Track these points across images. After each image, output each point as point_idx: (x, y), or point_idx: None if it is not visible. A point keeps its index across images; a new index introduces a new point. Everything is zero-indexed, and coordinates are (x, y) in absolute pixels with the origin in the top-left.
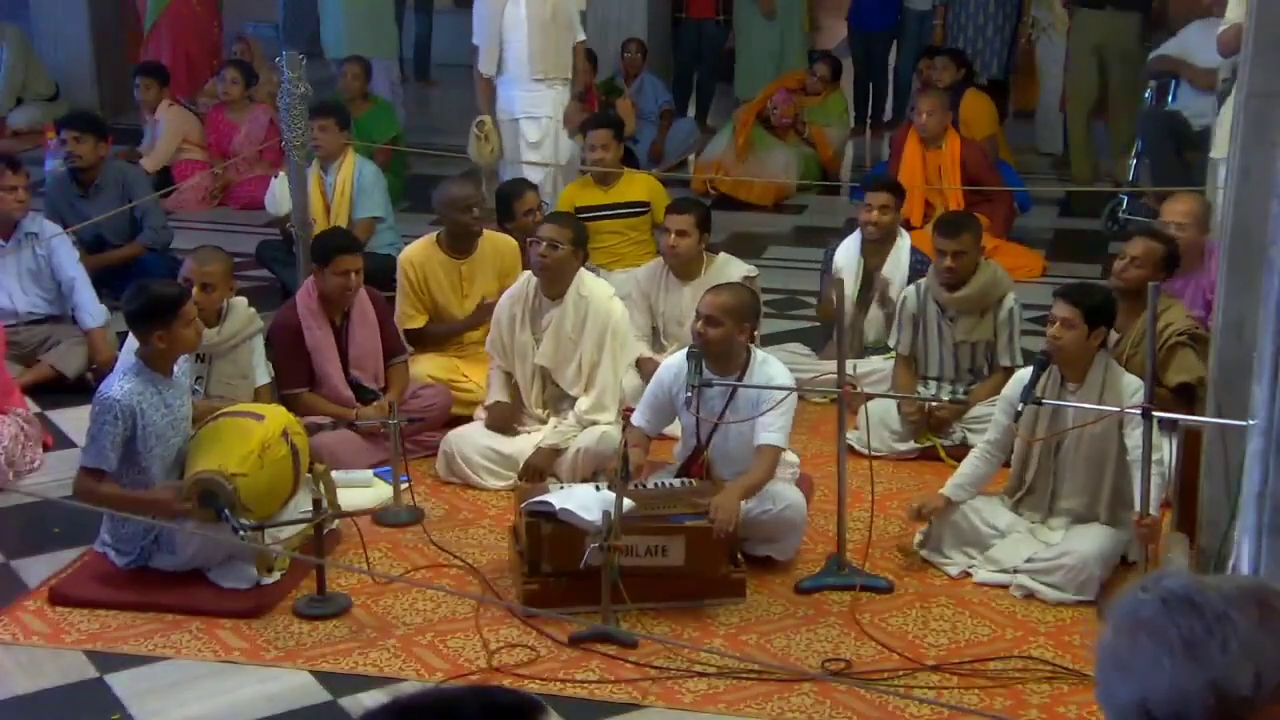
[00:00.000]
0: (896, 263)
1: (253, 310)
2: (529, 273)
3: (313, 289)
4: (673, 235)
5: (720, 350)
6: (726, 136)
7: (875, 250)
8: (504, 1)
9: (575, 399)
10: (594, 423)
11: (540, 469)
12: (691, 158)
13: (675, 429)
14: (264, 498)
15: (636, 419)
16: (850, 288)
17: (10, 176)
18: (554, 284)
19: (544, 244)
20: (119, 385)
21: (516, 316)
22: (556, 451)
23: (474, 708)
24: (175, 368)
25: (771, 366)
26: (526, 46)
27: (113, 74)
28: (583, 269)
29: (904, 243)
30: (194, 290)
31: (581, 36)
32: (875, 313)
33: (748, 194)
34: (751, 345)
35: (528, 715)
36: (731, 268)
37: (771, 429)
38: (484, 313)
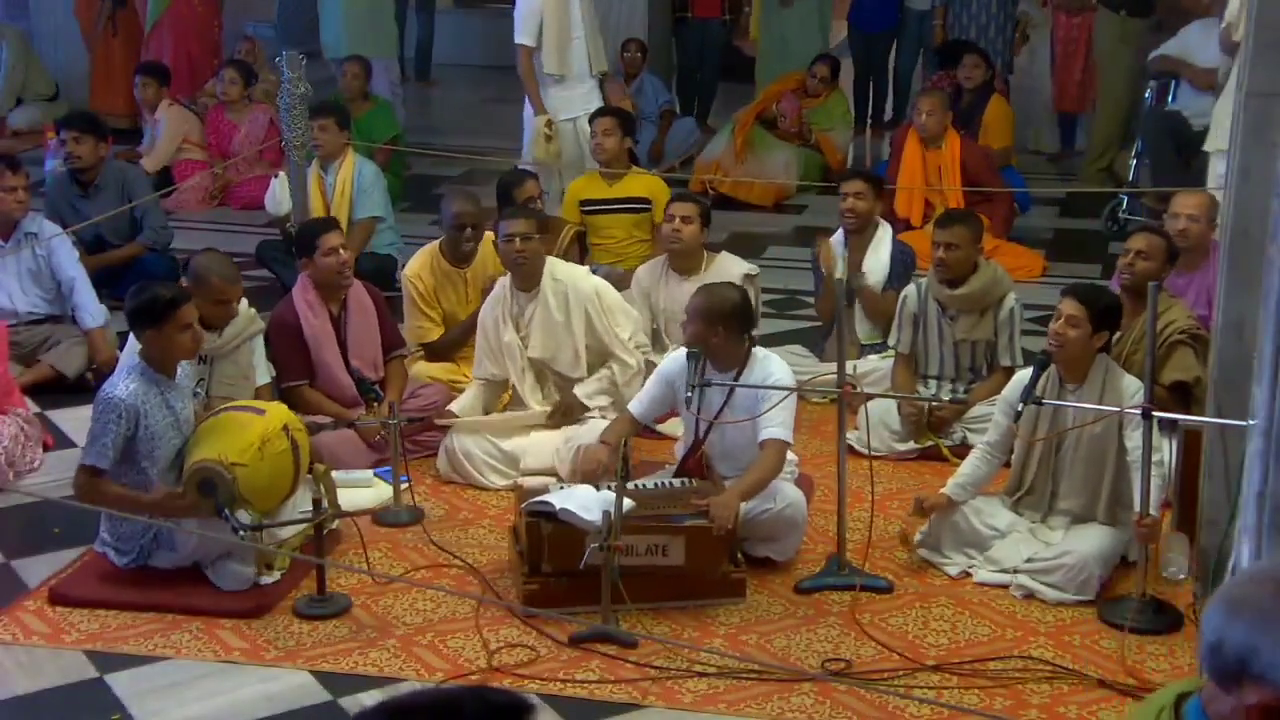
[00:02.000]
0: (876, 255)
1: (253, 311)
2: (503, 279)
3: (307, 281)
4: (677, 221)
5: (704, 349)
6: (725, 137)
7: (859, 243)
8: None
9: (575, 380)
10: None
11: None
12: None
13: (674, 428)
14: (264, 491)
15: (633, 405)
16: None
17: (10, 177)
18: (530, 276)
19: (517, 239)
20: (124, 385)
21: (499, 319)
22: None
23: (467, 708)
24: (178, 369)
25: (771, 364)
26: (585, 45)
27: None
28: (550, 258)
29: (884, 234)
30: (216, 304)
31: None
32: (859, 308)
33: (747, 194)
34: (752, 343)
35: (521, 715)
36: (732, 266)
37: (773, 423)
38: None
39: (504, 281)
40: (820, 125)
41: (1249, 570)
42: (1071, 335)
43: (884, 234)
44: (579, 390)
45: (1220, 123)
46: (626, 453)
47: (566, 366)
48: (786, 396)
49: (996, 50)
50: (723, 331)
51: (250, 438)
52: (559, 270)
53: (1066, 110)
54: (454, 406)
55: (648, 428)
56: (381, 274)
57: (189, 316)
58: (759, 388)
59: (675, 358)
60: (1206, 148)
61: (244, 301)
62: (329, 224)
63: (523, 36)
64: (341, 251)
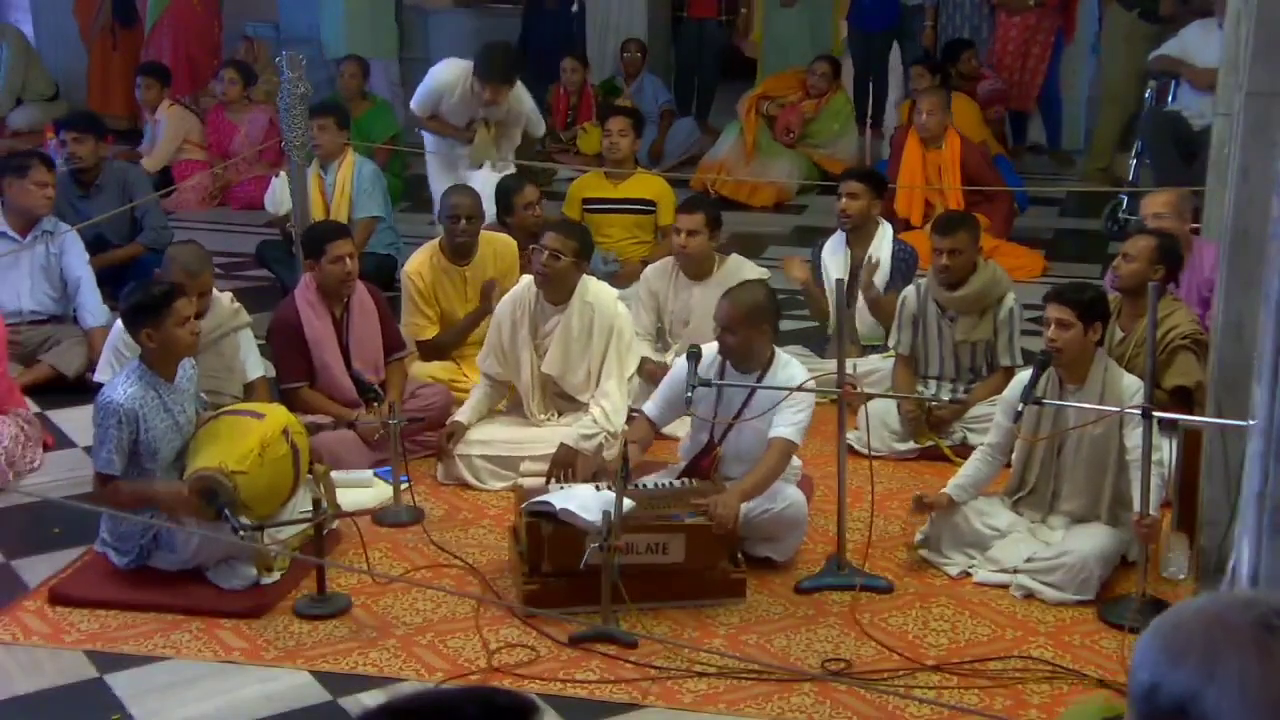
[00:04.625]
0: (878, 254)
1: (237, 305)
2: (529, 277)
3: (310, 283)
4: (684, 235)
5: (742, 354)
6: (733, 137)
7: (859, 243)
8: (465, 101)
9: (580, 403)
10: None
11: (568, 463)
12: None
13: (674, 428)
14: (264, 496)
15: (648, 408)
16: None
17: (43, 173)
18: (556, 292)
19: (546, 254)
20: (121, 389)
21: (517, 321)
22: (578, 451)
23: (470, 709)
24: (179, 372)
25: (792, 368)
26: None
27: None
28: (586, 276)
29: (885, 234)
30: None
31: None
32: (861, 307)
33: (748, 196)
34: (775, 346)
35: (524, 716)
36: (744, 270)
37: (785, 423)
38: (488, 296)
39: (529, 282)
40: (824, 132)
41: (1189, 606)
42: (1066, 337)
43: (884, 234)
44: (568, 437)
45: None
46: (625, 452)
47: (575, 388)
48: (802, 398)
49: (981, 49)
50: (766, 330)
51: (250, 444)
52: (591, 291)
53: (1020, 110)
54: (463, 413)
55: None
56: (381, 274)
57: (185, 310)
58: (773, 389)
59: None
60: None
61: (227, 295)
62: (340, 231)
63: (416, 105)
64: (348, 261)
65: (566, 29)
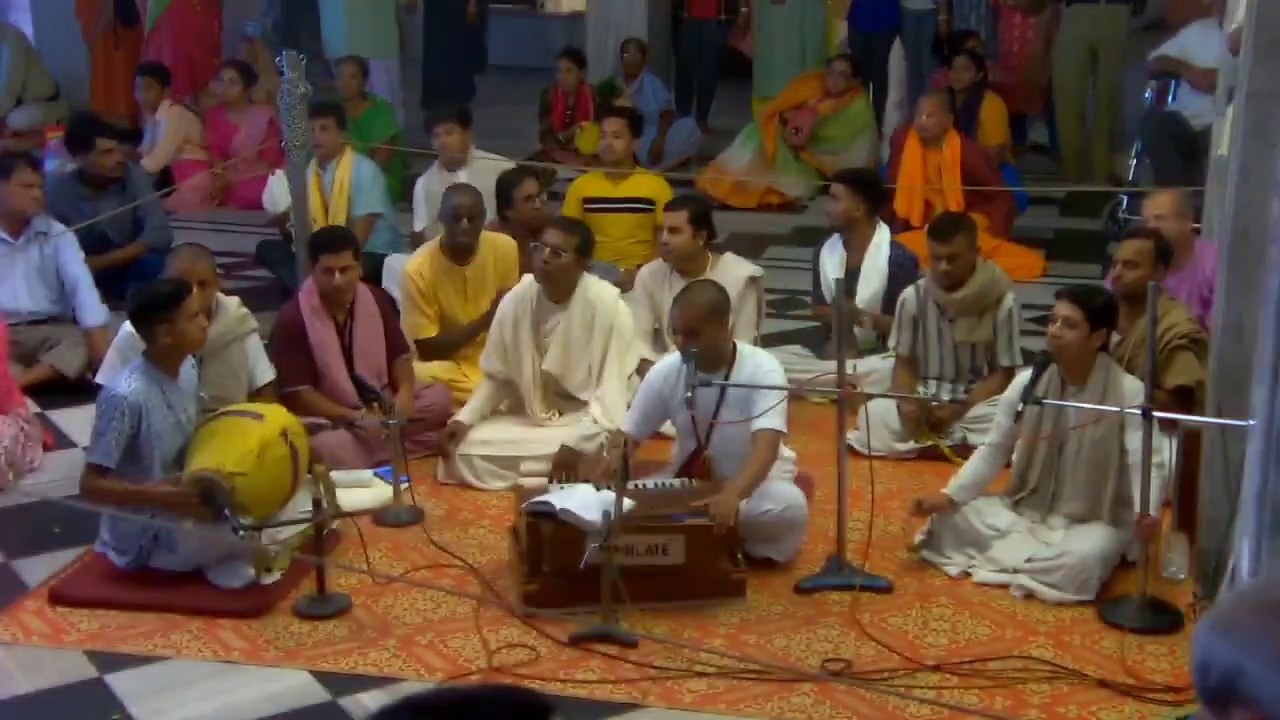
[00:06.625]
0: (875, 260)
1: (245, 310)
2: (531, 275)
3: (313, 286)
4: (666, 232)
5: (710, 355)
6: (751, 148)
7: (853, 245)
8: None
9: (581, 401)
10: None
11: (569, 464)
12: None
13: (670, 428)
14: (263, 498)
15: (625, 424)
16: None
17: (30, 174)
18: (557, 289)
19: (547, 250)
20: (126, 383)
21: (519, 319)
22: (580, 452)
23: (491, 707)
24: (181, 370)
25: (759, 357)
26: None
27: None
28: (587, 274)
29: (882, 237)
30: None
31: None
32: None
33: (749, 201)
34: (735, 339)
35: (542, 716)
36: (736, 268)
37: (765, 413)
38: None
39: (531, 280)
40: (840, 136)
41: (1237, 590)
42: (1069, 337)
43: (881, 238)
44: (569, 438)
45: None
46: (626, 453)
47: (576, 386)
48: (778, 392)
49: (991, 47)
50: (725, 325)
51: (249, 445)
52: (593, 289)
53: (1022, 111)
54: (465, 414)
55: None
56: (380, 273)
57: (194, 305)
58: (761, 387)
59: (656, 371)
60: (1220, 151)
61: (234, 300)
62: (338, 243)
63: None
64: (338, 275)
65: (474, 43)
